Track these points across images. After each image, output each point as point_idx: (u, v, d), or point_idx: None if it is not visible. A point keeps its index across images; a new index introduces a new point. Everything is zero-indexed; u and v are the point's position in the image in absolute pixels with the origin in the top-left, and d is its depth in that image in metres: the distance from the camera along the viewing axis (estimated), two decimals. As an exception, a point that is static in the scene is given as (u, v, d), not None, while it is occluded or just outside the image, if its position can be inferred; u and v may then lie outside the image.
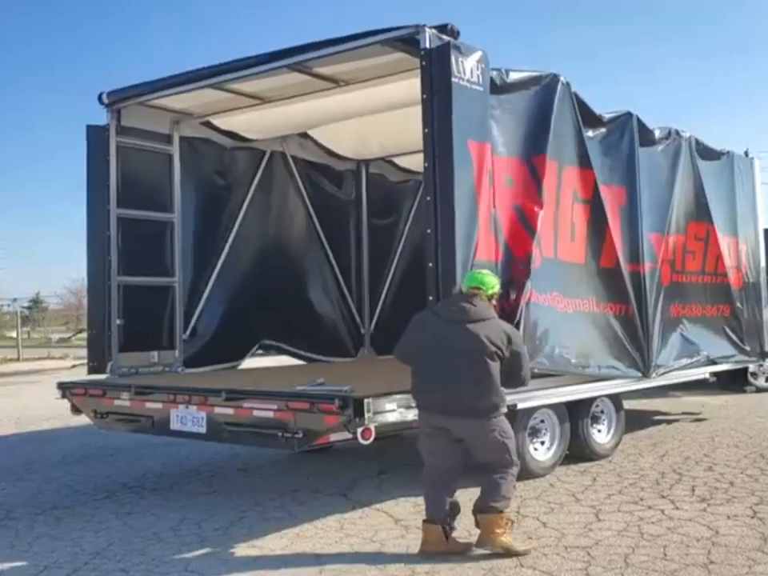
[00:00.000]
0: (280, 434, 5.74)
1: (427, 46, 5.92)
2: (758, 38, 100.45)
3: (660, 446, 8.43)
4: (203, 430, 6.29)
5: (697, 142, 9.14)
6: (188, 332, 8.39)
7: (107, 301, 7.70)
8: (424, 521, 5.21)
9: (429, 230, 5.96)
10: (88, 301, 8.11)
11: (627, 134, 8.04)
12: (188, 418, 6.37)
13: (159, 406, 6.62)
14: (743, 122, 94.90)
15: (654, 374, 7.98)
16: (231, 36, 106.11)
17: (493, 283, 5.39)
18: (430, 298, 5.92)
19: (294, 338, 9.48)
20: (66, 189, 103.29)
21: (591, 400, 7.68)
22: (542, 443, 7.25)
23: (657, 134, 8.55)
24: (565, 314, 6.93)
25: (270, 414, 5.84)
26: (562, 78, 7.01)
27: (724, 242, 9.47)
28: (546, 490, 6.65)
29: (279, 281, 9.19)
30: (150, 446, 9.19)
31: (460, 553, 5.05)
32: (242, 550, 5.37)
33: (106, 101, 7.78)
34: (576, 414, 7.48)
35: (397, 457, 8.13)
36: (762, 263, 10.55)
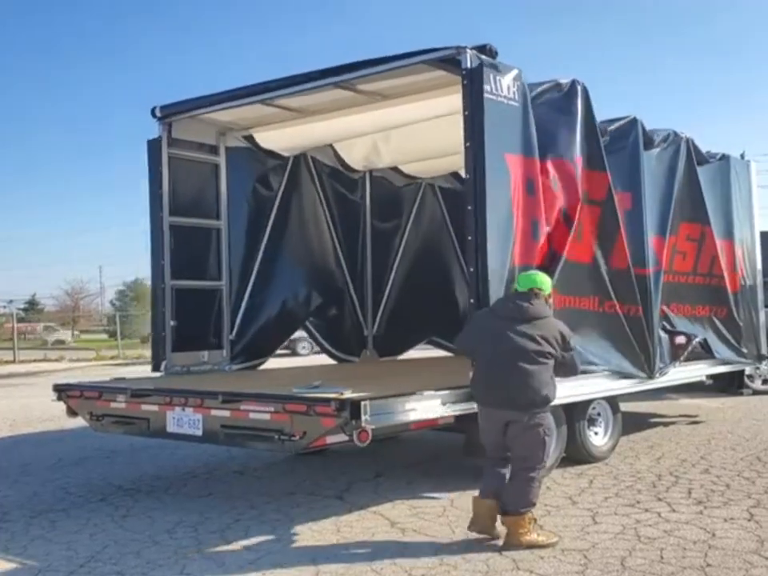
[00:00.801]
0: (276, 436, 5.73)
1: (468, 65, 6.25)
2: (750, 38, 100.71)
3: (657, 448, 8.42)
4: (199, 432, 6.27)
5: (694, 144, 9.15)
6: (234, 332, 8.78)
7: (162, 303, 8.18)
8: (475, 497, 5.45)
9: (469, 237, 6.30)
10: (151, 304, 8.58)
11: (632, 139, 8.10)
12: (184, 420, 6.35)
13: (155, 408, 6.60)
14: (742, 124, 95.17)
15: (657, 375, 8.00)
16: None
17: (548, 284, 5.71)
18: (471, 301, 6.29)
19: (314, 336, 10.08)
20: (63, 190, 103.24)
21: (588, 402, 7.68)
22: (539, 446, 7.23)
23: (658, 136, 8.57)
24: (583, 312, 7.06)
25: (267, 417, 5.83)
26: (581, 83, 7.22)
27: (720, 245, 9.47)
28: (542, 493, 6.58)
29: (305, 283, 9.61)
30: (145, 449, 9.17)
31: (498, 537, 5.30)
32: (238, 552, 5.35)
33: (158, 114, 8.16)
34: (573, 416, 7.47)
35: (393, 459, 8.14)
36: (759, 266, 10.55)
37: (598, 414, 7.98)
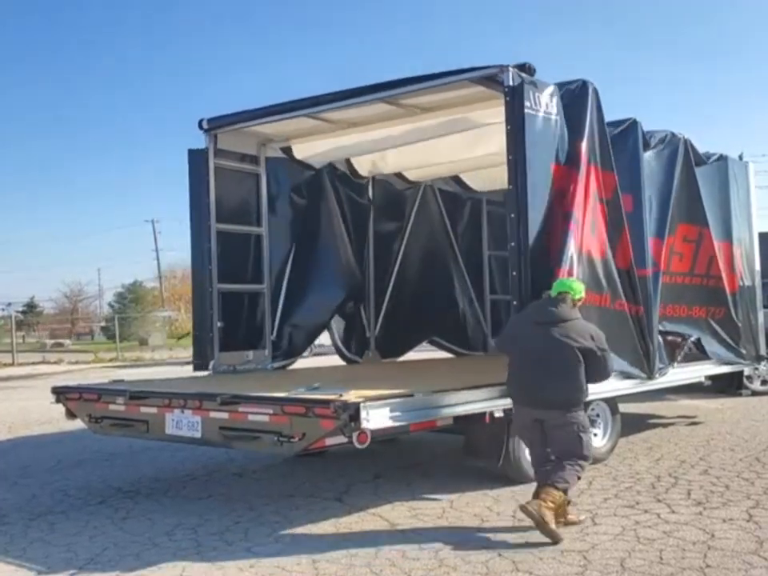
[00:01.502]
0: (276, 438, 5.72)
1: (510, 83, 6.61)
2: (749, 39, 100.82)
3: (656, 449, 8.43)
4: (198, 434, 6.27)
5: (692, 144, 9.16)
6: (274, 333, 9.21)
7: (209, 306, 8.57)
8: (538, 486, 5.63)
9: (512, 243, 6.67)
10: (193, 306, 9.16)
11: (632, 141, 8.13)
12: (183, 422, 6.35)
13: (154, 410, 6.60)
14: (740, 126, 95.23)
15: (656, 376, 8.01)
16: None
17: (579, 288, 6.01)
18: (514, 303, 6.65)
19: (332, 336, 10.37)
20: (62, 193, 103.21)
21: (587, 404, 7.66)
22: (538, 447, 7.23)
23: (656, 138, 8.59)
24: (600, 309, 7.16)
25: (266, 419, 5.83)
26: (593, 85, 7.34)
27: (718, 246, 9.47)
28: (541, 494, 6.63)
29: (328, 285, 9.84)
30: (145, 451, 9.17)
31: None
32: (237, 554, 5.35)
33: (205, 126, 8.54)
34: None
35: (392, 461, 8.14)
36: (757, 267, 10.55)
37: (597, 416, 7.97)
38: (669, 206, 8.59)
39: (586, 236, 7.01)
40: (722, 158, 9.91)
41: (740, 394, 12.18)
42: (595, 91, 7.34)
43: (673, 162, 8.78)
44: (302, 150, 9.40)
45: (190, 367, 9.00)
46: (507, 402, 6.50)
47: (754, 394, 12.41)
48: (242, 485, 7.50)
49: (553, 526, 5.30)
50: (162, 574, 5.04)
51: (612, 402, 8.05)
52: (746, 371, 11.35)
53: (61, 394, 7.37)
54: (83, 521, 6.32)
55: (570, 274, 6.64)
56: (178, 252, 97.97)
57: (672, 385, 8.96)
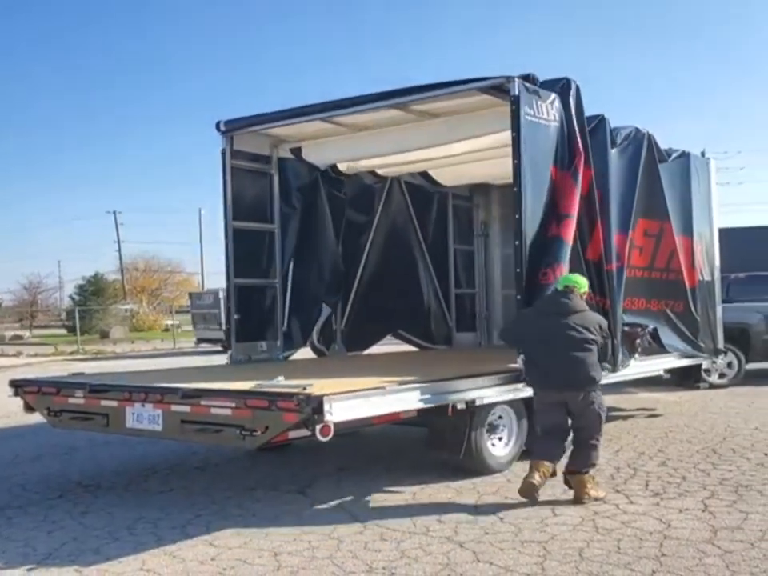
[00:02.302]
0: (238, 431, 5.71)
1: (516, 93, 7.02)
2: (711, 34, 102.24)
3: (615, 441, 8.54)
4: (159, 428, 6.22)
5: (654, 140, 9.26)
6: (285, 325, 9.64)
7: (227, 299, 9.18)
8: (532, 460, 6.20)
9: (517, 242, 7.13)
10: (225, 300, 9.84)
11: (601, 138, 8.21)
12: (144, 415, 6.30)
13: (114, 404, 6.54)
14: (702, 122, 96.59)
15: (620, 368, 8.13)
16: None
17: (584, 283, 6.59)
18: (518, 297, 7.11)
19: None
20: (21, 186, 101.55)
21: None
22: (500, 439, 7.30)
23: (621, 134, 8.69)
24: None
25: (228, 412, 5.80)
26: (575, 82, 7.65)
27: (679, 241, 9.59)
28: (503, 486, 6.71)
29: (320, 279, 10.20)
30: (105, 445, 9.08)
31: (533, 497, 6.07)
32: (199, 548, 5.33)
33: (222, 128, 8.91)
34: (533, 410, 7.53)
35: (356, 454, 8.15)
36: (717, 262, 10.72)
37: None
38: (633, 202, 8.70)
39: (575, 233, 7.34)
40: (684, 155, 10.03)
41: (698, 387, 12.38)
42: (578, 89, 7.62)
43: (637, 157, 8.87)
44: (309, 151, 9.73)
45: (151, 360, 8.95)
46: (472, 395, 6.62)
47: (712, 387, 12.63)
48: (204, 478, 7.47)
49: (601, 493, 6.19)
50: (122, 568, 5.00)
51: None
52: (704, 364, 11.54)
53: (19, 387, 7.27)
54: (41, 515, 6.24)
55: (568, 270, 7.01)
56: (140, 244, 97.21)
57: (633, 377, 9.09)
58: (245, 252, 9.22)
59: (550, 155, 7.31)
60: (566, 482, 6.25)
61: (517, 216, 7.13)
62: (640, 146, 8.93)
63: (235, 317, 9.08)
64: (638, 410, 10.79)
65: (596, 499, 6.07)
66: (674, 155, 9.84)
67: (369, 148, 9.58)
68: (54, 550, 5.36)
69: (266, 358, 9.29)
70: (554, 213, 7.25)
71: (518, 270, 7.14)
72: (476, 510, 6.00)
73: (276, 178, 9.60)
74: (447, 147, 9.30)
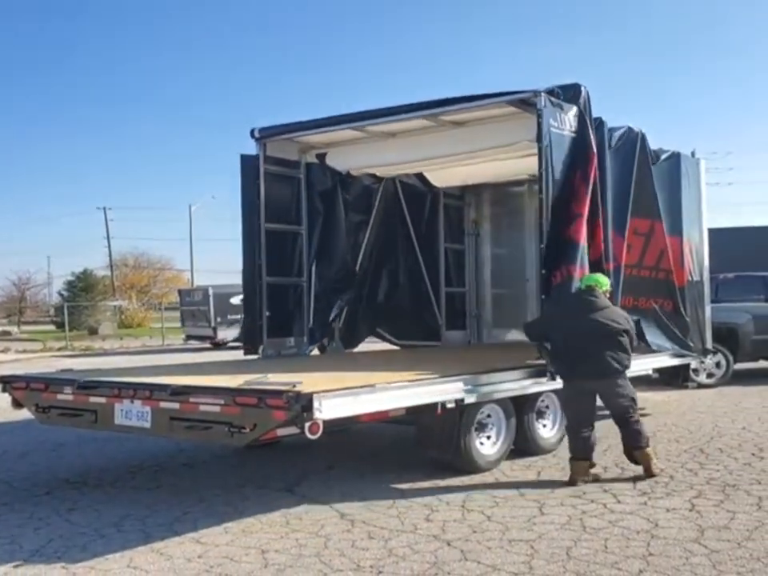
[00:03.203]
0: (227, 428, 5.70)
1: (542, 106, 7.47)
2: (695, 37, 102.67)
3: (603, 440, 8.53)
4: (148, 424, 6.21)
5: (646, 139, 9.28)
6: (310, 321, 10.09)
7: (259, 296, 9.46)
8: (571, 458, 6.79)
9: (542, 245, 7.64)
10: (244, 296, 10.08)
11: (600, 140, 8.25)
12: (133, 412, 6.29)
13: (103, 400, 6.52)
14: (692, 123, 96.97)
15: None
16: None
17: (605, 282, 7.14)
18: (543, 297, 7.66)
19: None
20: (9, 180, 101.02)
21: (537, 395, 7.78)
22: (488, 438, 7.31)
23: (616, 134, 8.72)
24: None
25: (217, 409, 5.80)
26: (585, 88, 7.99)
27: (669, 241, 9.60)
28: (491, 484, 6.72)
29: (338, 278, 10.56)
30: (93, 441, 9.05)
31: (594, 481, 6.68)
32: (186, 545, 5.32)
33: (256, 135, 9.39)
34: (522, 409, 7.57)
35: (345, 452, 8.15)
36: (706, 262, 10.74)
37: (547, 407, 8.08)
38: (629, 202, 8.77)
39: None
40: (675, 155, 10.05)
41: (686, 387, 12.41)
42: (588, 94, 7.95)
43: (631, 157, 8.89)
44: (333, 157, 10.14)
45: (140, 357, 8.92)
46: (461, 394, 6.64)
47: (700, 386, 12.68)
48: (192, 475, 7.45)
49: (660, 466, 6.94)
50: (109, 565, 4.99)
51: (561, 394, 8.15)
52: (693, 364, 11.58)
53: (7, 383, 7.24)
54: (28, 512, 6.22)
55: (584, 271, 7.41)
56: (130, 240, 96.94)
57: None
58: (275, 252, 9.69)
59: (570, 162, 7.74)
60: (631, 459, 6.96)
61: (541, 221, 7.59)
62: (634, 145, 8.96)
63: (266, 314, 9.48)
64: (626, 409, 10.80)
65: (659, 472, 6.82)
66: (665, 155, 9.86)
67: (392, 155, 9.96)
68: (40, 547, 5.34)
69: (294, 353, 9.78)
70: (567, 215, 7.59)
71: (543, 271, 7.65)
72: (464, 508, 6.00)
73: (303, 182, 10.10)
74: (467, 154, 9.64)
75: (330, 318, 10.45)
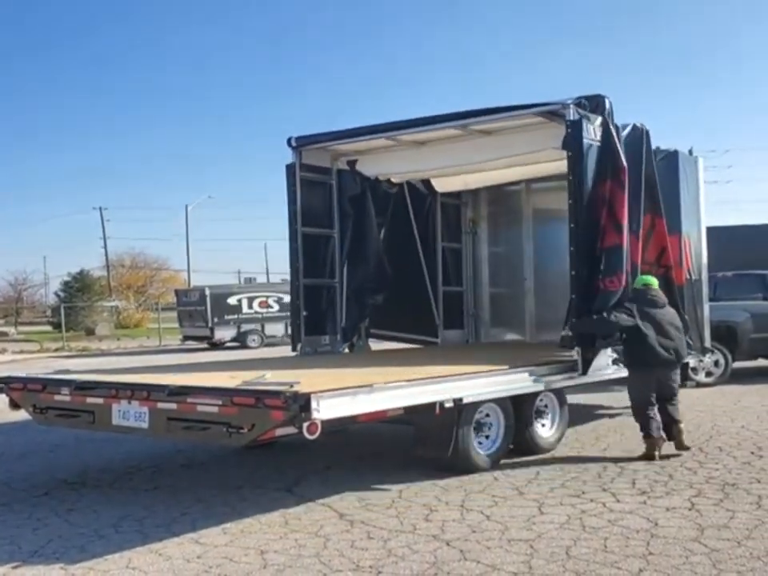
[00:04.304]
0: (225, 429, 5.69)
1: (571, 118, 7.93)
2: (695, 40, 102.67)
3: (602, 439, 8.56)
4: (145, 425, 6.20)
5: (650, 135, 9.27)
6: (343, 320, 10.51)
7: (297, 297, 10.06)
8: (645, 436, 7.59)
9: (572, 248, 8.03)
10: (291, 297, 10.56)
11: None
12: (130, 413, 6.27)
13: (100, 401, 6.50)
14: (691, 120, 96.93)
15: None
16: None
17: (655, 282, 8.00)
18: (573, 296, 8.04)
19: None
20: (6, 180, 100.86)
21: (535, 394, 7.77)
22: (487, 437, 7.31)
23: (625, 132, 8.71)
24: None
25: (215, 410, 5.78)
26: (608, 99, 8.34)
27: (668, 238, 9.57)
28: (490, 484, 6.71)
29: (368, 279, 10.89)
30: (91, 442, 9.03)
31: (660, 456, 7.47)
32: (185, 546, 5.31)
33: (293, 144, 9.86)
34: (521, 408, 7.56)
35: (343, 451, 8.14)
36: (704, 260, 10.73)
37: (546, 406, 8.07)
38: (640, 201, 8.77)
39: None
40: (673, 153, 10.04)
41: (685, 386, 12.35)
42: (611, 105, 8.30)
43: (639, 155, 8.87)
44: (363, 163, 10.49)
45: (138, 357, 8.90)
46: (459, 393, 6.63)
47: (699, 385, 12.68)
48: (190, 476, 7.44)
49: (687, 442, 7.76)
50: (108, 566, 4.97)
51: (560, 394, 8.16)
52: (692, 363, 11.56)
53: (4, 384, 7.22)
54: (27, 513, 6.20)
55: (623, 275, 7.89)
56: (127, 240, 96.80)
57: (621, 376, 9.07)
58: (310, 255, 10.17)
59: (598, 170, 8.08)
60: (668, 434, 7.67)
61: (572, 225, 8.00)
62: (640, 142, 8.96)
63: (304, 313, 10.01)
64: (624, 408, 10.75)
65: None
66: (662, 154, 9.84)
67: (421, 162, 10.29)
68: (39, 548, 5.32)
69: (329, 351, 10.25)
70: (611, 223, 7.98)
71: (573, 272, 8.02)
72: (463, 508, 5.99)
73: (335, 188, 10.52)
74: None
75: (362, 317, 10.85)
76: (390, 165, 10.51)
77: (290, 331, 10.97)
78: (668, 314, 7.79)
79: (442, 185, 11.70)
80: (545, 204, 11.79)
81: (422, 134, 9.45)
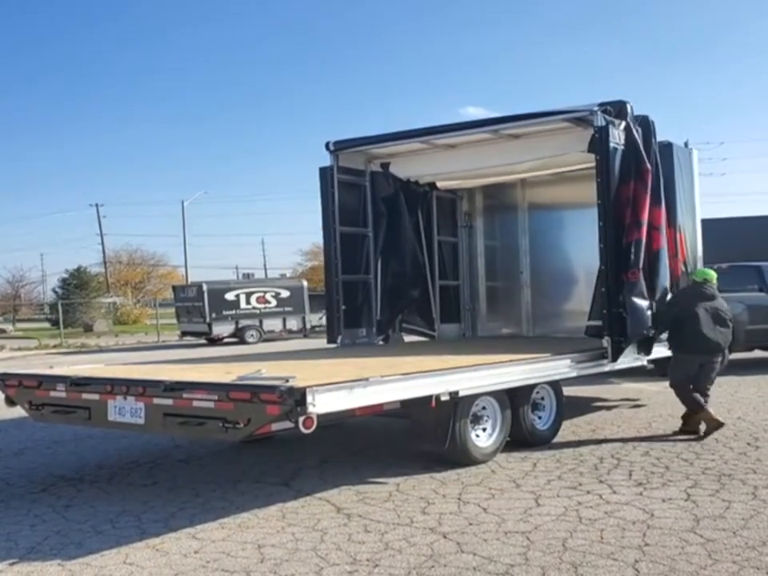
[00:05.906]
0: (221, 424, 5.69)
1: (599, 124, 8.33)
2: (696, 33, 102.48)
3: (599, 431, 8.58)
4: (142, 421, 6.20)
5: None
6: (378, 314, 10.99)
7: (336, 292, 10.50)
8: (688, 413, 8.39)
9: (601, 245, 8.46)
10: (326, 292, 11.18)
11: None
12: (126, 408, 6.27)
13: (96, 397, 6.50)
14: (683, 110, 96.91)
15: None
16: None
17: (714, 275, 8.64)
18: (603, 289, 8.46)
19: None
20: (3, 178, 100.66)
21: (532, 387, 7.78)
22: (484, 430, 7.32)
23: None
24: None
25: (211, 405, 5.78)
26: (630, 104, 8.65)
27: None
28: (487, 476, 6.72)
29: (401, 275, 11.34)
30: (88, 438, 9.04)
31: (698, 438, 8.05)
32: (182, 541, 5.31)
33: (331, 148, 10.37)
34: (517, 400, 7.57)
35: (339, 445, 8.15)
36: (700, 253, 10.74)
37: (542, 399, 8.09)
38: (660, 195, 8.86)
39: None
40: (668, 145, 10.02)
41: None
42: (632, 109, 8.60)
43: (649, 146, 8.90)
44: (396, 165, 10.96)
45: (136, 354, 8.91)
46: (456, 386, 6.65)
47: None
48: (188, 471, 7.44)
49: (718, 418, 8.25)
50: (105, 561, 4.98)
51: (556, 386, 8.18)
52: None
53: (0, 380, 7.21)
54: (24, 509, 6.20)
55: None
56: (124, 236, 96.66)
57: (617, 368, 9.09)
58: (347, 252, 10.65)
59: (623, 172, 8.43)
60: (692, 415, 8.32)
61: (601, 224, 8.42)
62: (649, 133, 8.96)
63: (342, 307, 10.50)
64: (621, 400, 10.84)
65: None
66: (657, 145, 9.81)
67: (452, 164, 10.67)
68: (36, 544, 5.33)
69: (366, 343, 10.73)
70: (633, 221, 8.39)
71: (603, 267, 8.44)
72: (460, 500, 6.01)
73: (369, 189, 10.95)
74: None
75: (397, 311, 11.28)
76: (421, 167, 10.97)
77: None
78: (720, 305, 8.39)
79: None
80: (540, 197, 11.80)
81: (454, 138, 9.86)
